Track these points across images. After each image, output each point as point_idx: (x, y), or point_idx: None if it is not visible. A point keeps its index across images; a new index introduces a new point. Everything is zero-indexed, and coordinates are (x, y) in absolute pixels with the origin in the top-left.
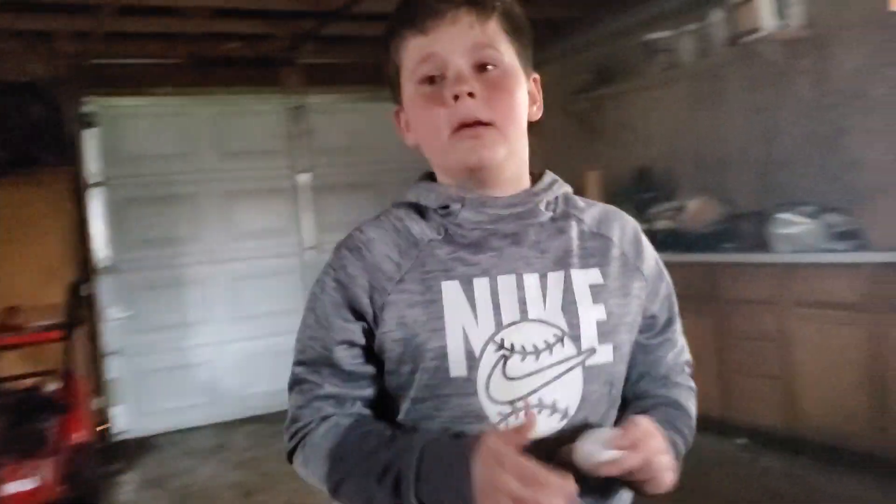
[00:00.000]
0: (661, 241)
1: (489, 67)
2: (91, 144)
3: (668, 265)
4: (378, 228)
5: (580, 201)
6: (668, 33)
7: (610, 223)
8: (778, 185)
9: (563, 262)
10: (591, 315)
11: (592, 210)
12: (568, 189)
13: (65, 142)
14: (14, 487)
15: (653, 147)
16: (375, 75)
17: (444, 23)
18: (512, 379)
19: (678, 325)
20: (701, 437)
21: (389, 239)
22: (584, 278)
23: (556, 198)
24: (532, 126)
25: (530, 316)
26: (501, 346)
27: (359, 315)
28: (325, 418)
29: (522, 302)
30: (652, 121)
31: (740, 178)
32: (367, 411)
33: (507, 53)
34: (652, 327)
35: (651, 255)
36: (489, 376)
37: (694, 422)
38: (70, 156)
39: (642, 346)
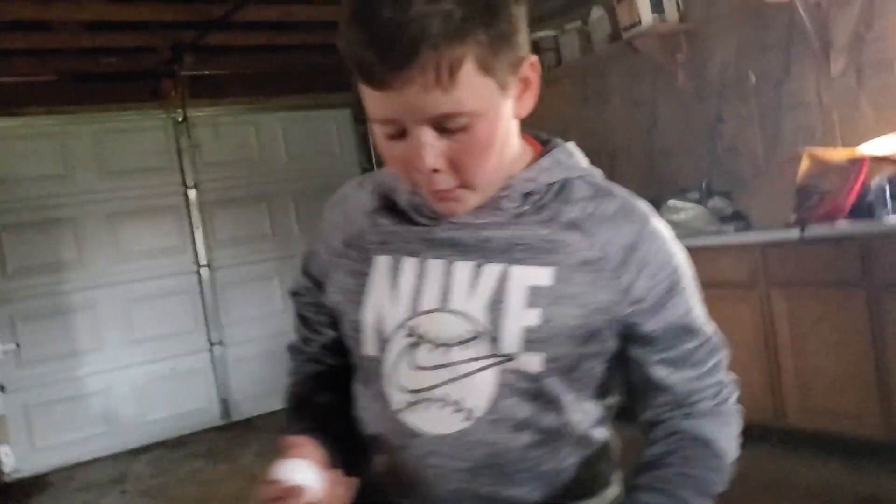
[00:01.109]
0: None
1: (456, 129)
2: None
3: None
4: (358, 187)
5: (584, 190)
6: (552, 32)
7: (603, 221)
8: (663, 173)
9: (506, 255)
10: (519, 319)
11: (591, 204)
12: (572, 174)
13: None
14: None
15: None
16: (258, 86)
17: (395, 85)
18: (419, 368)
19: (699, 345)
20: None
21: (359, 200)
22: (525, 277)
23: (544, 187)
24: None
25: (450, 307)
26: (412, 333)
27: (315, 269)
28: (296, 358)
29: (447, 290)
30: (539, 118)
31: (628, 170)
32: (326, 353)
33: (481, 89)
34: (653, 343)
35: (653, 272)
36: (396, 361)
37: (728, 456)
38: None
39: (640, 361)
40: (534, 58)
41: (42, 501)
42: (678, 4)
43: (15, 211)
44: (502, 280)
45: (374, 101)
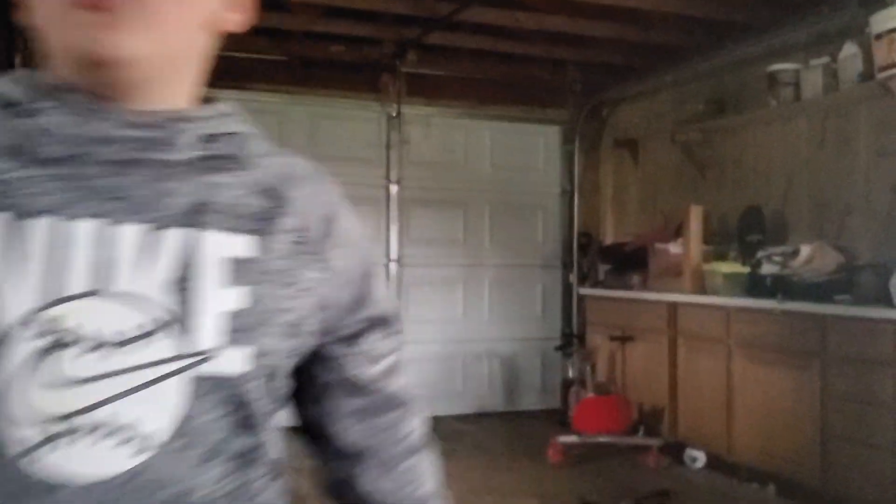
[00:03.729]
0: (768, 287)
1: None
2: None
3: (773, 313)
4: None
5: (265, 146)
6: (794, 66)
7: (298, 183)
8: None
9: (195, 217)
10: (220, 300)
11: (278, 161)
12: (248, 130)
13: None
14: None
15: (765, 186)
16: (474, 91)
17: None
18: (62, 385)
19: (392, 333)
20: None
21: None
22: (223, 245)
23: (220, 135)
24: (634, 154)
25: (114, 287)
26: (52, 330)
27: None
28: None
29: (108, 264)
30: (766, 158)
31: (861, 226)
32: None
33: None
34: (353, 338)
35: (352, 253)
36: (15, 377)
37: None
38: None
39: (339, 361)
40: None
41: None
42: None
43: None
44: (191, 247)
45: None
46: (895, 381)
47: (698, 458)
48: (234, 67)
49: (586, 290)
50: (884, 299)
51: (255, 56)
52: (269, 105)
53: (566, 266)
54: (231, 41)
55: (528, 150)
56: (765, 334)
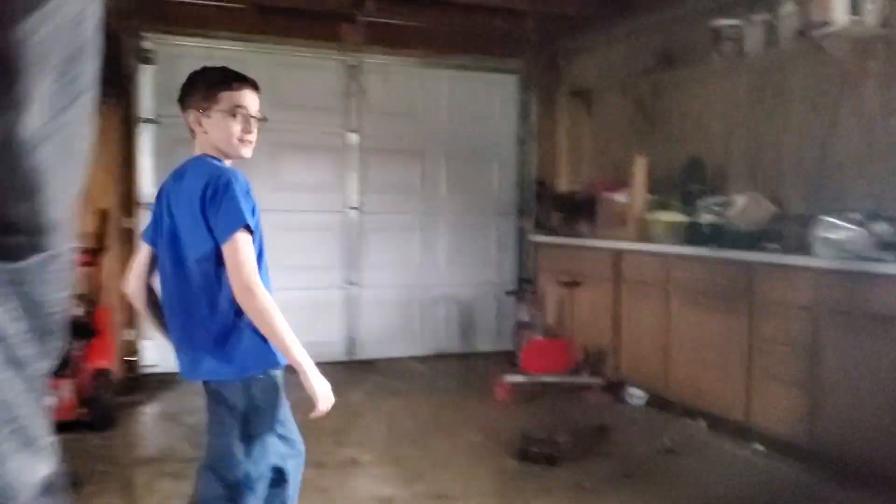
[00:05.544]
0: (705, 236)
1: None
2: (146, 81)
3: (708, 260)
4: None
5: None
6: (737, 21)
7: None
8: (831, 188)
9: None
10: None
11: None
12: None
13: (120, 76)
14: None
15: (707, 137)
16: (432, 41)
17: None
18: None
19: None
20: (717, 439)
21: None
22: None
23: None
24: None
25: None
26: None
27: None
28: None
29: None
30: (709, 110)
31: (793, 178)
32: None
33: None
34: None
35: None
36: None
37: None
38: (124, 90)
39: None
40: None
41: (168, 397)
42: (879, 8)
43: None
44: None
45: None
46: (812, 324)
47: (638, 395)
48: (194, 14)
49: (538, 237)
50: (806, 249)
51: (213, 3)
52: (230, 53)
53: (521, 213)
54: None
55: (485, 99)
56: (700, 280)
